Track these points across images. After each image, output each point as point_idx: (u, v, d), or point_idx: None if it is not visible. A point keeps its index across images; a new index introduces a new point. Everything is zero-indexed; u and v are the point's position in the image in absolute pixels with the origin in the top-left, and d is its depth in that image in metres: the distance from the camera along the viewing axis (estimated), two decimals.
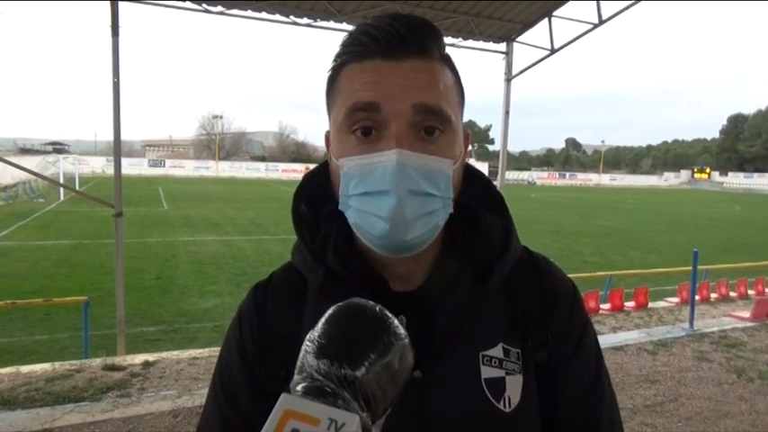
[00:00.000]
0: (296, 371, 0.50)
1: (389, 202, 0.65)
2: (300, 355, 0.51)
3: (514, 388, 0.75)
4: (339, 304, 0.54)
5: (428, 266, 0.77)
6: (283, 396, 0.46)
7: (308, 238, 0.79)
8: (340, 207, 0.72)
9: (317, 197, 0.81)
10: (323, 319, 0.53)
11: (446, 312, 0.74)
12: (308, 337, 0.51)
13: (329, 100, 0.75)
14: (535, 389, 0.77)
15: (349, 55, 0.71)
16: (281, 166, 65.85)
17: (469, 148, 0.81)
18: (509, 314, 0.78)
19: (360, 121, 0.68)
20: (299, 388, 0.48)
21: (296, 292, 0.81)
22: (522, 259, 0.82)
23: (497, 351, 0.76)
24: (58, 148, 65.26)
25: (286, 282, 0.84)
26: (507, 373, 0.75)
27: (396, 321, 0.53)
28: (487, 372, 0.74)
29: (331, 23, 6.91)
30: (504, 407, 0.74)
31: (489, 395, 0.74)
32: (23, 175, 28.24)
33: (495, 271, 0.76)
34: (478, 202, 0.81)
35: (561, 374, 0.79)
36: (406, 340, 0.53)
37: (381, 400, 0.50)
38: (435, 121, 0.68)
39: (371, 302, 0.54)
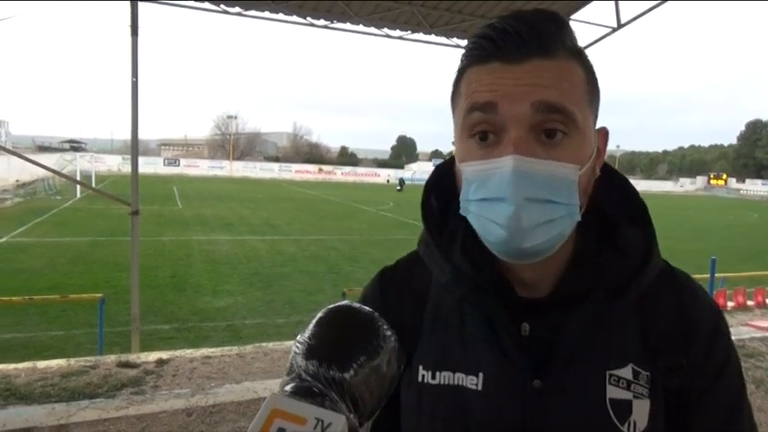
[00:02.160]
0: (285, 372, 0.51)
1: (506, 209, 0.64)
2: (290, 356, 0.51)
3: (641, 413, 0.71)
4: (330, 306, 0.54)
5: (556, 275, 0.74)
6: (271, 395, 0.46)
7: (436, 231, 0.79)
8: (461, 212, 0.71)
9: (445, 191, 0.79)
10: (313, 321, 0.53)
11: (573, 325, 0.71)
12: (298, 338, 0.52)
13: (453, 105, 0.74)
14: (663, 415, 0.73)
15: (470, 59, 0.69)
16: (295, 166, 66.16)
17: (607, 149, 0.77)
18: (640, 333, 0.74)
19: (478, 125, 0.67)
20: (287, 388, 0.48)
21: (420, 284, 0.81)
22: (661, 275, 0.77)
23: (626, 372, 0.72)
24: (75, 147, 66.29)
25: (411, 272, 0.84)
26: (635, 397, 0.71)
27: (386, 325, 0.53)
28: (614, 392, 0.71)
29: (348, 25, 6.94)
30: (629, 431, 0.70)
31: (613, 416, 0.70)
32: (41, 173, 28.68)
33: (631, 288, 0.72)
34: (617, 210, 0.77)
35: (694, 405, 0.74)
36: (396, 344, 0.53)
37: (369, 401, 0.50)
38: (557, 121, 0.64)
39: (362, 306, 0.54)
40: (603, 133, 0.74)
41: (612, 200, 0.78)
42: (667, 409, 0.73)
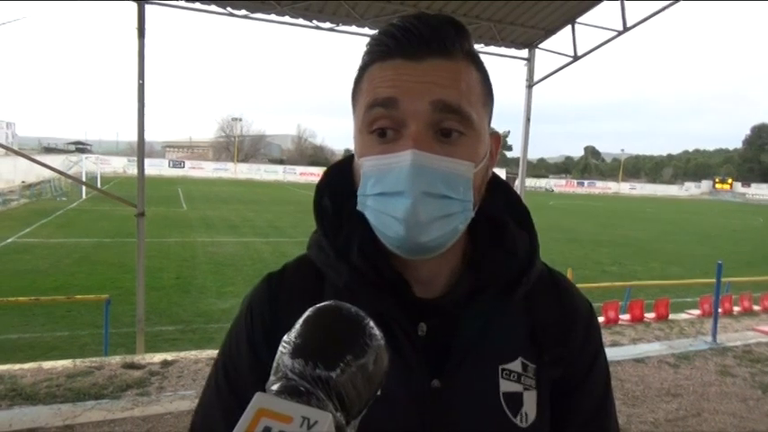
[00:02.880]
0: (272, 371, 0.50)
1: (404, 203, 0.65)
2: (276, 355, 0.51)
3: (531, 404, 0.75)
4: (317, 305, 0.54)
5: (450, 274, 0.76)
6: (257, 395, 0.46)
7: (331, 233, 0.78)
8: (358, 207, 0.72)
9: (340, 191, 0.79)
10: (300, 320, 0.52)
11: (468, 323, 0.73)
12: (284, 338, 0.52)
13: (353, 101, 0.75)
14: (548, 405, 0.77)
15: (372, 56, 0.71)
16: (299, 169, 66.24)
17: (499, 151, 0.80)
18: (529, 329, 0.78)
19: (378, 120, 0.68)
20: (273, 387, 0.48)
21: (311, 288, 0.79)
22: (542, 275, 0.82)
23: (516, 365, 0.75)
24: (81, 148, 66.58)
25: (301, 276, 0.82)
26: (525, 389, 0.75)
27: (372, 323, 0.53)
28: (506, 385, 0.74)
29: (353, 28, 6.94)
30: (521, 422, 0.73)
31: (507, 409, 0.73)
32: (47, 174, 28.80)
33: (522, 283, 0.76)
34: (502, 213, 0.80)
35: (573, 393, 0.79)
36: (382, 342, 0.52)
37: (356, 400, 0.50)
38: (455, 121, 0.67)
39: (348, 304, 0.54)
40: (496, 137, 0.77)
41: (497, 204, 0.81)
42: (551, 398, 0.78)
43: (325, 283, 0.79)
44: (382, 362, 0.52)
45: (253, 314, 0.80)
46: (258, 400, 0.45)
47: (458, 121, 0.67)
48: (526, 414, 0.74)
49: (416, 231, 0.66)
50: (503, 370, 0.74)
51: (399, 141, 0.67)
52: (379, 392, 0.53)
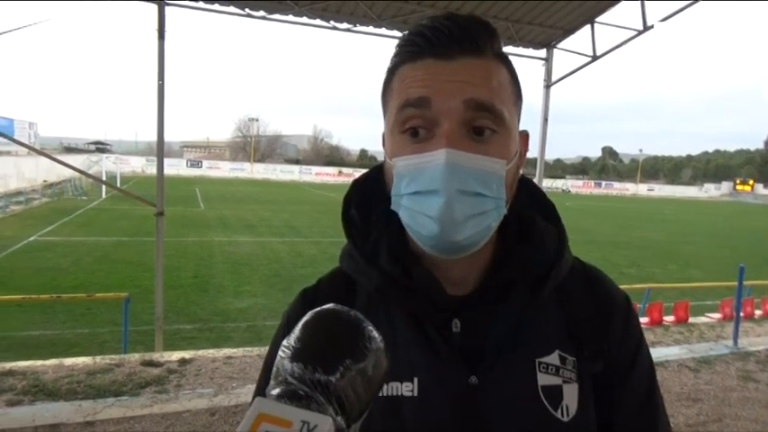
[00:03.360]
0: (271, 376, 0.51)
1: (438, 201, 0.65)
2: (276, 360, 0.51)
3: (571, 397, 0.74)
4: (315, 309, 0.54)
5: (482, 271, 0.76)
6: (257, 399, 0.46)
7: (360, 241, 0.79)
8: (392, 207, 0.72)
9: (366, 202, 0.80)
10: (299, 325, 0.52)
11: (500, 318, 0.73)
12: (283, 342, 0.52)
13: (384, 102, 0.75)
14: (592, 399, 0.76)
15: (402, 56, 0.71)
16: (315, 169, 66.55)
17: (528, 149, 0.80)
18: (563, 323, 0.78)
19: (410, 120, 0.68)
20: (273, 392, 0.48)
21: (344, 298, 0.79)
22: (574, 269, 0.81)
23: (553, 358, 0.75)
24: (101, 148, 67.47)
25: (334, 287, 0.83)
26: (564, 381, 0.74)
27: (371, 327, 0.52)
28: (544, 379, 0.73)
29: (370, 28, 6.95)
30: (562, 416, 0.72)
31: (546, 403, 0.72)
32: (68, 174, 29.28)
33: (550, 277, 0.75)
34: (530, 210, 0.81)
35: (617, 388, 0.78)
36: (382, 345, 0.52)
37: (356, 404, 0.49)
38: (487, 119, 0.67)
39: (347, 308, 0.54)
40: (525, 136, 0.77)
41: (523, 200, 0.81)
42: (594, 393, 0.77)
43: (357, 291, 0.80)
44: (382, 365, 0.52)
45: (290, 327, 0.82)
46: (258, 404, 0.46)
47: (490, 119, 0.67)
48: (567, 407, 0.73)
49: (451, 230, 0.66)
50: (540, 363, 0.74)
51: (432, 140, 0.67)
52: (381, 394, 0.53)
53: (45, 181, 29.46)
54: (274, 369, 0.51)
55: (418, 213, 0.68)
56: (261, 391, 0.78)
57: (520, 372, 0.74)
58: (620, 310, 0.81)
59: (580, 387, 0.75)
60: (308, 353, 0.50)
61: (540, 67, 7.74)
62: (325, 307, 0.54)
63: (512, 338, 0.74)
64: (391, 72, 0.73)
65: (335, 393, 0.48)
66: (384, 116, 0.75)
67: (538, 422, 0.72)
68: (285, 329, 0.82)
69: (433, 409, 0.72)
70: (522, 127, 0.76)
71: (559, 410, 0.72)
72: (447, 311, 0.74)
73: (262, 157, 77.24)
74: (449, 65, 0.67)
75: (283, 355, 0.50)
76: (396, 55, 0.72)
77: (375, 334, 0.52)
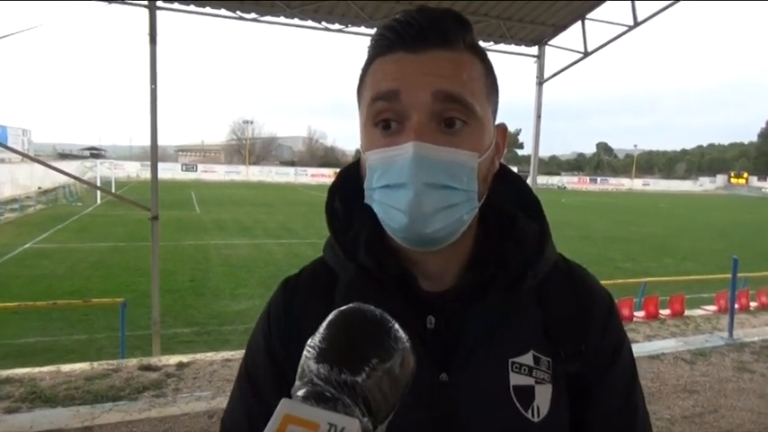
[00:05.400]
0: (297, 376, 0.50)
1: (407, 194, 0.65)
2: (301, 360, 0.50)
3: (544, 398, 0.73)
4: (341, 308, 0.53)
5: (459, 267, 0.76)
6: (283, 401, 0.45)
7: (341, 234, 0.79)
8: (366, 200, 0.73)
9: (350, 194, 0.80)
10: (324, 324, 0.52)
11: (476, 316, 0.73)
12: (308, 342, 0.51)
13: (358, 97, 0.75)
14: (566, 400, 0.75)
15: (375, 50, 0.71)
16: (310, 170, 66.48)
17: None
18: (541, 322, 0.77)
19: (382, 113, 0.68)
20: (299, 393, 0.48)
21: (325, 289, 0.79)
22: (557, 266, 0.80)
23: (527, 358, 0.74)
24: (95, 153, 67.24)
25: (316, 277, 0.83)
26: (537, 382, 0.73)
27: (397, 326, 0.52)
28: (516, 379, 0.73)
29: (362, 29, 6.96)
30: (533, 416, 0.72)
31: (517, 403, 0.72)
32: (63, 180, 29.20)
33: (528, 276, 0.74)
34: (514, 206, 0.80)
35: (594, 388, 0.77)
36: (408, 344, 0.52)
37: (383, 404, 0.49)
38: (457, 111, 0.67)
39: (372, 307, 0.53)
40: (502, 129, 0.77)
41: (508, 196, 0.81)
42: (570, 395, 0.76)
43: (339, 282, 0.79)
44: (409, 364, 0.51)
45: (270, 318, 0.82)
46: (284, 406, 0.45)
47: (460, 110, 0.67)
48: (538, 407, 0.72)
49: (420, 222, 0.66)
50: (513, 363, 0.73)
51: (402, 134, 0.67)
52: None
53: (39, 188, 29.35)
54: (299, 369, 0.50)
55: (389, 207, 0.68)
56: (249, 398, 0.78)
57: (492, 371, 0.73)
58: (600, 309, 0.80)
59: (554, 387, 0.74)
60: (334, 353, 0.49)
61: (532, 64, 7.77)
62: (350, 306, 0.53)
63: (487, 337, 0.73)
64: (365, 67, 0.73)
65: (362, 394, 0.47)
66: (359, 110, 0.75)
67: (507, 422, 0.72)
68: (266, 319, 0.83)
69: (404, 405, 0.73)
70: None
71: (530, 411, 0.72)
72: (422, 308, 0.73)
73: (257, 160, 77.17)
74: (418, 58, 0.67)
75: (308, 355, 0.49)
76: (369, 49, 0.73)
77: (401, 333, 0.52)
